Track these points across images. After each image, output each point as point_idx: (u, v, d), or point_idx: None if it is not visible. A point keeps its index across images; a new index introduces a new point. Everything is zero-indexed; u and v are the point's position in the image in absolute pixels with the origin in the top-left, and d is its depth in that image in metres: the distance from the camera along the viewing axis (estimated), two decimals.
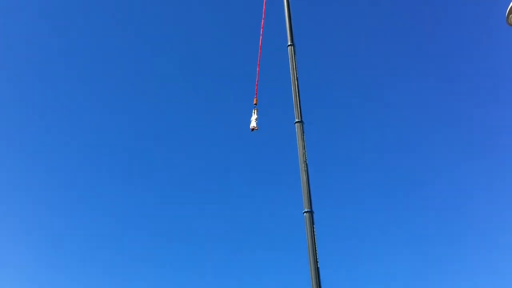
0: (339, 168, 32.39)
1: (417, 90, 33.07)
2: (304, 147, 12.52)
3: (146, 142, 33.34)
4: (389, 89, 33.55)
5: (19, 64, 33.14)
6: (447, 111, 32.51)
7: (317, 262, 10.75)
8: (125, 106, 34.45)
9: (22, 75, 32.71)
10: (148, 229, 30.35)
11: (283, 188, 30.20)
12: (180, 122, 34.49)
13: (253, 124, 13.94)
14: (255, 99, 14.39)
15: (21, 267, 27.57)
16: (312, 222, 11.33)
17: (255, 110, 14.18)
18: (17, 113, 32.39)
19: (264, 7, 15.79)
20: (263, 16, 15.63)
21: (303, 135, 12.75)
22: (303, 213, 11.52)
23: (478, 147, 30.82)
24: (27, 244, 28.11)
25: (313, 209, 11.57)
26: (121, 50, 34.84)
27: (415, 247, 28.06)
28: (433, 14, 34.08)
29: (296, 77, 13.75)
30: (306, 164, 12.25)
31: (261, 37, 15.36)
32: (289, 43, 14.41)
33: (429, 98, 32.90)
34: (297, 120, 12.99)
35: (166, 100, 34.73)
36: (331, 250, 25.46)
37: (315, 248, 10.93)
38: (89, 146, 32.65)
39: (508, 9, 10.47)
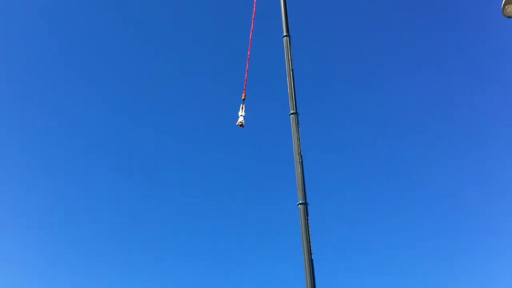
0: (334, 159, 32.41)
1: (412, 81, 33.03)
2: (299, 139, 12.50)
3: (142, 139, 33.24)
4: (384, 79, 33.52)
5: (19, 64, 33.07)
6: (443, 103, 32.54)
7: (311, 253, 10.79)
8: (120, 104, 34.32)
9: (22, 75, 32.63)
10: (146, 223, 30.35)
11: (278, 180, 30.18)
12: (175, 117, 34.41)
13: (240, 120, 13.82)
14: (243, 95, 14.26)
15: (24, 266, 27.58)
16: (306, 214, 11.34)
17: (243, 106, 14.05)
18: (17, 112, 32.29)
19: None
20: (253, 10, 15.54)
21: (298, 127, 12.72)
22: (298, 205, 11.52)
23: (477, 141, 30.84)
24: (28, 243, 28.09)
25: (308, 201, 11.57)
26: (116, 47, 34.67)
27: (411, 238, 28.17)
28: (428, 4, 34.01)
29: (292, 68, 13.68)
30: (301, 156, 12.24)
31: (251, 31, 15.23)
32: (284, 34, 14.33)
33: (424, 90, 32.89)
34: (292, 112, 12.96)
35: (161, 95, 34.63)
36: (325, 242, 25.53)
37: (309, 239, 10.95)
38: (88, 145, 32.57)
39: (504, 0, 10.43)
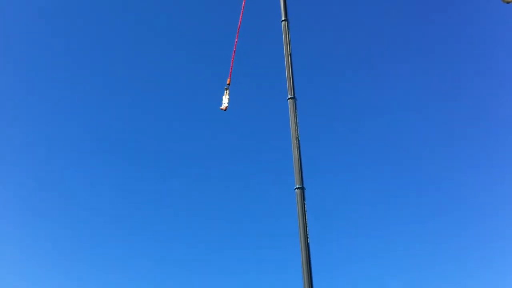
0: (330, 145, 32.48)
1: (410, 68, 33.03)
2: (296, 124, 12.51)
3: (141, 133, 33.17)
4: (381, 67, 33.53)
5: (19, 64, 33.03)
6: (441, 91, 32.53)
7: (307, 238, 10.85)
8: (112, 101, 34.23)
9: (27, 74, 32.61)
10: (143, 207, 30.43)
11: (274, 165, 30.25)
12: (171, 109, 34.45)
13: (225, 104, 13.85)
14: (228, 79, 14.27)
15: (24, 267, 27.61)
16: (303, 199, 11.39)
17: (227, 90, 14.06)
18: (21, 112, 32.24)
19: None
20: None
21: (295, 112, 12.73)
22: (295, 189, 11.56)
23: (478, 134, 30.84)
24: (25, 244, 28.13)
25: (304, 185, 11.62)
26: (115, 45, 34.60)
27: (407, 224, 28.33)
28: None
29: (290, 53, 13.65)
30: (298, 141, 12.28)
31: (241, 16, 15.16)
32: (282, 18, 14.27)
33: (422, 77, 32.87)
34: (289, 97, 12.95)
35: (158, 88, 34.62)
36: (321, 226, 25.68)
37: (306, 224, 11.00)
38: (84, 146, 32.55)
39: None
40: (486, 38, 31.45)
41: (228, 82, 14.24)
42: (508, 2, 10.41)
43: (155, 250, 28.44)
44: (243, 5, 15.35)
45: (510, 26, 29.10)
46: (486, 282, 24.92)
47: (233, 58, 14.60)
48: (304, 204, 11.29)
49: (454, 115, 31.46)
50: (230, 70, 14.41)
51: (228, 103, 13.94)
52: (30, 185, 30.44)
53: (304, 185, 11.60)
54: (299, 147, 12.18)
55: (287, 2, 14.61)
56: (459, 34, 32.94)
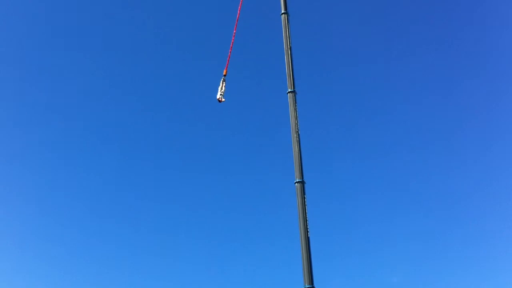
0: (328, 139, 32.43)
1: (411, 57, 33.02)
2: (296, 117, 12.42)
3: (143, 131, 33.08)
4: (381, 56, 33.53)
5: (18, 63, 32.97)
6: (440, 81, 32.55)
7: (307, 232, 10.75)
8: (111, 100, 34.09)
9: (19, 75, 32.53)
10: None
11: (274, 159, 30.13)
12: (170, 103, 34.36)
13: (219, 95, 13.65)
14: (225, 70, 14.03)
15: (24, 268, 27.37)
16: (303, 193, 11.27)
17: (223, 81, 13.84)
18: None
19: None
20: None
21: (295, 105, 12.62)
22: (295, 183, 11.47)
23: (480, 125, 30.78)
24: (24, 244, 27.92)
25: (304, 179, 11.52)
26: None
27: (407, 220, 28.26)
28: None
29: (290, 46, 13.55)
30: (298, 135, 12.17)
31: (239, 7, 15.01)
32: (282, 11, 14.14)
33: (423, 65, 32.83)
34: (289, 90, 12.82)
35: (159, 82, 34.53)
36: (321, 219, 25.53)
37: (306, 218, 10.94)
38: (83, 145, 32.45)
39: None
40: (486, 38, 31.43)
41: (224, 72, 14.02)
42: None
43: (154, 248, 28.33)
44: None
45: (510, 26, 29.03)
46: (486, 279, 24.91)
47: (231, 49, 14.46)
48: (304, 198, 11.20)
49: (454, 114, 31.46)
50: (227, 60, 14.25)
51: (223, 93, 13.68)
52: (31, 185, 30.31)
53: (304, 179, 11.48)
54: (299, 141, 12.07)
55: None
56: (459, 34, 32.92)
